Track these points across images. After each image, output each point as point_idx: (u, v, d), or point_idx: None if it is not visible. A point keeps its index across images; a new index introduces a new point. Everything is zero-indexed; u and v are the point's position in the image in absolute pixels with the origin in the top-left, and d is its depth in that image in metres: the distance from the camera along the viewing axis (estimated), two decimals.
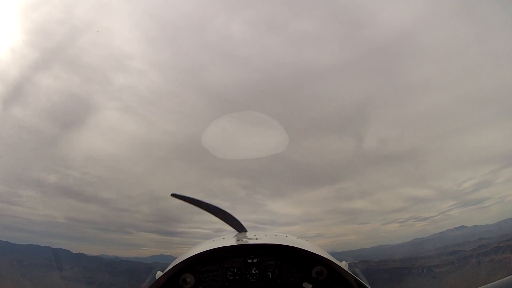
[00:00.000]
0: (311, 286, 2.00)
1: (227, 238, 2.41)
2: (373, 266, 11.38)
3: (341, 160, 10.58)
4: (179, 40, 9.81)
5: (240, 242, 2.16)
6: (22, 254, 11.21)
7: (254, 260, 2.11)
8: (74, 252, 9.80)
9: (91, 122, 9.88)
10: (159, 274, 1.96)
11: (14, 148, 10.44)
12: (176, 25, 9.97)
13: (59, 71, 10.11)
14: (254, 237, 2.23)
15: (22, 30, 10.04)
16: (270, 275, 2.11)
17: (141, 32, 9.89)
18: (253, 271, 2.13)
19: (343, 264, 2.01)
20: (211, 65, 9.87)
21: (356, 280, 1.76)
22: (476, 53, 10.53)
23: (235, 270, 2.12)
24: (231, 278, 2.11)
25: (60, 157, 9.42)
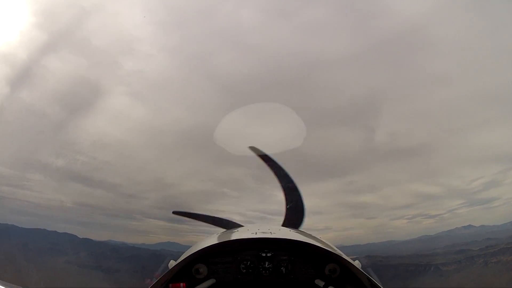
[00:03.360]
0: (323, 283, 1.96)
1: (241, 230, 2.40)
2: (380, 261, 11.30)
3: (351, 153, 10.46)
4: (189, 25, 9.72)
5: (255, 236, 2.13)
6: (28, 238, 11.28)
7: (268, 254, 2.09)
8: (80, 237, 9.83)
9: (99, 107, 9.86)
10: (172, 263, 1.95)
11: (21, 132, 10.45)
12: (186, 9, 9.88)
13: (67, 54, 10.08)
14: (268, 231, 2.21)
15: (30, 12, 10.00)
16: (283, 270, 2.09)
17: (151, 16, 9.81)
18: (266, 265, 2.11)
19: (356, 263, 1.97)
20: (221, 52, 9.78)
21: (369, 280, 1.72)
22: (491, 48, 10.31)
23: (249, 263, 2.10)
24: (244, 271, 2.09)
25: (68, 142, 9.44)
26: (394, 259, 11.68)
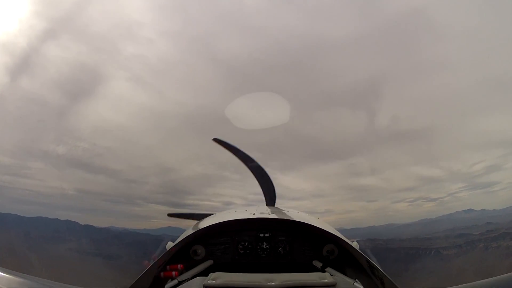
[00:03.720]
0: (321, 264, 1.94)
1: (239, 211, 2.36)
2: (381, 244, 11.35)
3: (352, 135, 10.40)
4: (190, 8, 9.49)
5: (252, 216, 2.07)
6: (30, 227, 11.25)
7: (266, 235, 2.08)
8: (82, 224, 9.82)
9: (100, 93, 9.69)
10: (170, 245, 1.93)
11: (22, 120, 10.32)
12: None
13: (67, 41, 9.87)
14: (267, 211, 2.19)
15: (29, 0, 9.74)
16: (281, 250, 2.07)
17: (151, 0, 9.57)
18: (264, 245, 2.09)
19: (354, 244, 1.94)
20: (223, 35, 9.58)
21: (367, 261, 1.69)
22: (495, 35, 10.16)
23: (246, 243, 2.09)
24: (242, 251, 2.08)
25: (69, 129, 9.31)
26: (394, 242, 11.75)
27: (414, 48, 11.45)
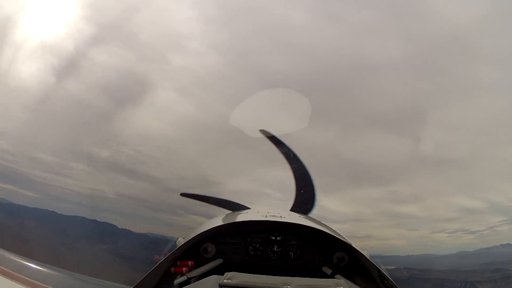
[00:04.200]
0: (331, 271, 1.94)
1: (250, 212, 2.40)
2: (417, 274, 10.96)
3: (395, 160, 10.16)
4: (238, 23, 9.70)
5: (265, 218, 2.12)
6: (67, 225, 11.51)
7: (278, 238, 2.13)
8: (119, 227, 9.93)
9: (146, 101, 9.98)
10: (180, 241, 1.94)
11: (66, 121, 10.72)
12: (235, 6, 9.89)
13: (115, 48, 10.25)
14: (278, 215, 2.20)
15: (77, 5, 10.25)
16: (292, 255, 2.13)
17: (200, 12, 9.87)
18: (275, 248, 2.14)
19: (365, 253, 1.93)
20: (268, 51, 9.71)
21: (378, 270, 1.68)
22: None
23: (257, 245, 2.14)
24: (252, 253, 2.13)
25: (113, 134, 9.58)
26: (431, 273, 11.28)
27: (458, 73, 11.14)
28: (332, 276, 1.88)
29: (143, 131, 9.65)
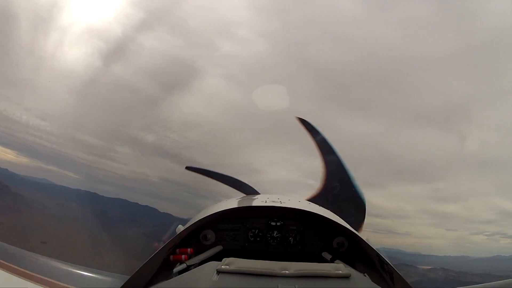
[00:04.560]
0: (330, 256, 1.88)
1: (250, 198, 2.35)
2: (452, 276, 10.78)
3: (440, 158, 9.96)
4: (288, 12, 9.60)
5: (264, 204, 2.05)
6: (108, 207, 11.78)
7: (277, 223, 2.05)
8: (161, 211, 10.11)
9: (193, 87, 10.02)
10: (180, 228, 1.87)
11: (112, 104, 10.85)
12: None
13: (163, 33, 10.30)
14: (278, 200, 2.13)
15: None
16: (292, 240, 2.04)
17: (250, 0, 9.80)
18: (275, 234, 2.06)
19: (365, 238, 1.88)
20: (318, 41, 9.59)
21: (377, 255, 1.60)
22: None
23: (257, 231, 2.05)
24: (252, 239, 2.04)
25: (160, 118, 9.70)
26: (466, 276, 11.08)
27: (509, 73, 10.78)
28: (332, 261, 1.82)
29: (189, 117, 9.71)
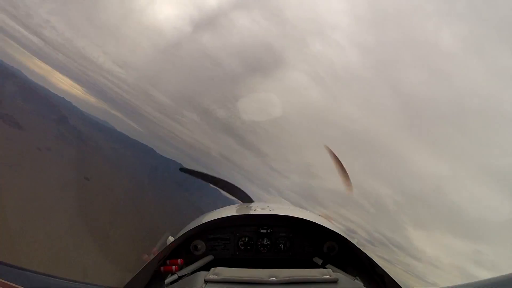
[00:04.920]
0: (321, 261, 1.91)
1: (240, 207, 2.38)
2: None
3: (492, 221, 9.56)
4: (387, 29, 9.59)
5: (253, 212, 2.10)
6: (160, 164, 12.44)
7: (267, 231, 2.10)
8: (211, 186, 10.45)
9: (276, 76, 10.24)
10: (170, 239, 1.90)
11: (192, 71, 11.33)
12: (388, 12, 9.61)
13: (258, 17, 10.54)
14: (267, 207, 2.18)
15: None
16: (282, 247, 2.09)
17: (351, 6, 9.76)
18: (265, 241, 2.10)
19: (355, 242, 1.89)
20: (411, 67, 9.50)
21: (368, 258, 1.63)
22: None
23: (247, 239, 2.10)
24: (243, 247, 2.08)
25: (235, 96, 10.04)
26: None
27: None
28: (323, 266, 1.87)
29: (264, 103, 9.86)
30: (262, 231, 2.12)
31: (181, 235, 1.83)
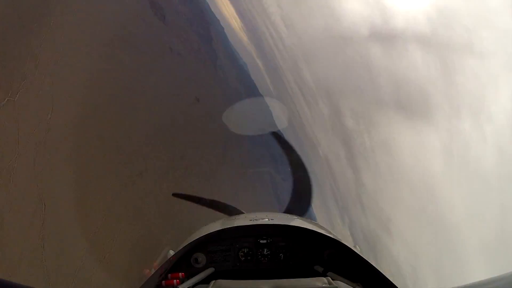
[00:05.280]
0: (322, 269, 1.85)
1: (239, 218, 2.39)
2: None
3: None
4: None
5: (253, 222, 2.06)
6: None
7: (267, 241, 2.08)
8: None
9: (416, 127, 8.79)
10: (170, 253, 1.91)
11: (346, 72, 9.57)
12: None
13: (432, 60, 7.84)
14: (266, 217, 2.16)
15: None
16: (282, 256, 2.07)
17: None
18: (265, 252, 2.07)
19: (356, 249, 1.87)
20: None
21: (370, 265, 1.59)
22: None
23: (247, 250, 2.08)
24: (243, 258, 2.06)
25: (372, 116, 7.83)
26: None
27: None
28: (324, 273, 1.73)
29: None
30: (262, 241, 2.10)
31: (181, 249, 1.88)
